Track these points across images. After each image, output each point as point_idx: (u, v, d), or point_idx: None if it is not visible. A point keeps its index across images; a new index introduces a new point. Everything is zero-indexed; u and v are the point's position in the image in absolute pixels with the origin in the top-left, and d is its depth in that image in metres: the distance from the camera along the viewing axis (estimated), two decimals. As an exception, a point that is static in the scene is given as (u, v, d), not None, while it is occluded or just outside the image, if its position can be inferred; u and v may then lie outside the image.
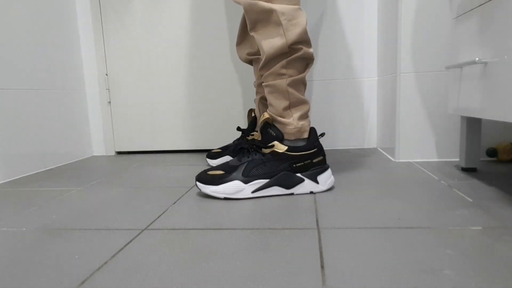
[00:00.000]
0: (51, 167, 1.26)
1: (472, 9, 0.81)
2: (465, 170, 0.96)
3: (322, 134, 0.84)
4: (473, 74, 0.80)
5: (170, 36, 1.40)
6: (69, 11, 1.38)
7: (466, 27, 0.84)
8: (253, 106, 1.42)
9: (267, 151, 0.80)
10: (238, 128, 1.16)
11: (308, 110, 0.84)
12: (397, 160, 1.12)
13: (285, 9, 0.78)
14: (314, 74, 1.38)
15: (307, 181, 0.81)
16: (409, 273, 0.45)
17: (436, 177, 0.90)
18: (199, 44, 1.40)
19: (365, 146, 1.40)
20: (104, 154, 1.51)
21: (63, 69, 1.34)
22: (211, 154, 1.17)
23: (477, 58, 0.74)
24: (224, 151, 1.15)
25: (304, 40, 0.80)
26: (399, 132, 1.11)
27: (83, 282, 0.46)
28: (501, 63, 0.68)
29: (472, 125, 0.93)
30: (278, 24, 0.78)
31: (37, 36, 1.21)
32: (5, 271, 0.50)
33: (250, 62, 1.14)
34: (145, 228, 0.64)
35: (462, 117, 0.95)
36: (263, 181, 0.80)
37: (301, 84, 0.83)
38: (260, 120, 0.82)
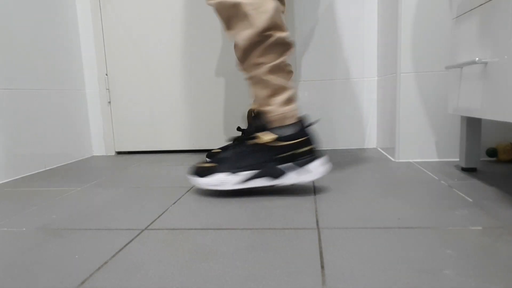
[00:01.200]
0: (51, 167, 1.26)
1: (472, 9, 0.81)
2: (465, 170, 0.96)
3: (314, 122, 0.82)
4: (473, 74, 0.80)
5: (170, 36, 1.40)
6: (69, 11, 1.38)
7: (466, 27, 0.84)
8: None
9: (250, 142, 0.80)
10: (238, 128, 1.16)
11: (292, 95, 0.82)
12: (397, 160, 1.12)
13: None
14: (314, 74, 1.38)
15: (291, 172, 0.79)
16: (409, 273, 0.45)
17: (436, 177, 0.90)
18: (199, 44, 1.40)
19: (365, 146, 1.40)
20: (104, 154, 1.51)
21: (63, 69, 1.34)
22: (211, 154, 1.16)
23: (477, 58, 0.74)
24: (224, 151, 1.15)
25: (274, 25, 0.80)
26: (399, 132, 1.11)
27: (83, 282, 0.46)
28: (501, 63, 0.68)
29: (472, 125, 0.93)
30: (246, 15, 0.79)
31: (37, 36, 1.21)
32: (5, 271, 0.50)
33: None
34: (145, 228, 0.64)
35: (462, 117, 0.95)
36: (248, 173, 0.80)
37: (280, 70, 0.81)
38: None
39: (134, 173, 1.11)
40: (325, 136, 1.41)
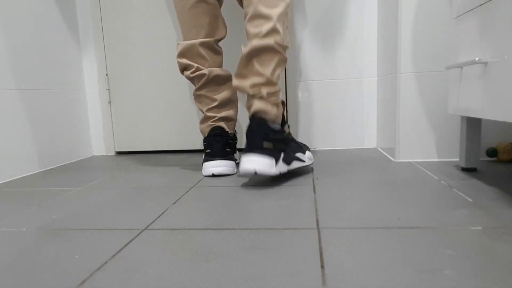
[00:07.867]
0: (51, 167, 1.26)
1: (472, 9, 0.81)
2: (465, 170, 0.96)
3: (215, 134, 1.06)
4: (473, 74, 0.80)
5: (171, 36, 1.40)
6: (69, 11, 1.38)
7: (466, 27, 0.84)
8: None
9: None
10: None
11: (204, 118, 1.08)
12: (397, 160, 1.12)
13: None
14: (314, 74, 1.38)
15: None
16: (409, 273, 0.45)
17: (436, 177, 0.90)
18: (199, 44, 1.39)
19: (365, 146, 1.40)
20: (104, 154, 1.51)
21: (63, 69, 1.34)
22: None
23: (477, 58, 0.74)
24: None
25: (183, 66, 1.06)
26: (399, 132, 1.11)
27: (83, 282, 0.46)
28: (501, 63, 0.68)
29: (472, 125, 0.93)
30: None
31: (37, 36, 1.21)
32: (5, 271, 0.50)
33: None
34: (145, 228, 0.64)
35: (462, 117, 0.95)
36: None
37: (196, 98, 1.08)
38: None
39: (134, 173, 1.11)
40: (325, 136, 1.41)
